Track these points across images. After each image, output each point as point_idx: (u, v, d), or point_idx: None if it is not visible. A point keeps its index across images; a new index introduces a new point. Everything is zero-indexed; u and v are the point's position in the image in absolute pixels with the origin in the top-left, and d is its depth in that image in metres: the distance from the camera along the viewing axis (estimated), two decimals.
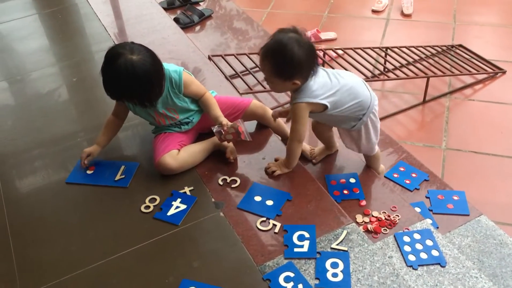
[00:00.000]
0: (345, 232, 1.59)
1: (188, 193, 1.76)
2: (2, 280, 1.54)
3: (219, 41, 3.38)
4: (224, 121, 1.77)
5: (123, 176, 1.85)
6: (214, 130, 1.75)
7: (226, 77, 2.58)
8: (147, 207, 1.72)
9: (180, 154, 1.83)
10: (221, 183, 1.79)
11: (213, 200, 1.74)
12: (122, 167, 1.89)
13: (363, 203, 1.85)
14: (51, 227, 1.71)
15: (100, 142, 1.89)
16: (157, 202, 1.74)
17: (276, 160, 1.88)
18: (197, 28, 3.45)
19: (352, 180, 1.94)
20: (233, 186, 1.78)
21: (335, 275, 1.45)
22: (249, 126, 2.01)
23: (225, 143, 1.85)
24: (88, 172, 1.89)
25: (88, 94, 2.44)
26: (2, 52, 2.86)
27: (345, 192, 1.89)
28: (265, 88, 2.71)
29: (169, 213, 1.68)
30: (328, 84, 1.68)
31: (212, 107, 1.83)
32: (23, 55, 2.81)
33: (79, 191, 1.83)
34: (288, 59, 1.57)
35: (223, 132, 1.73)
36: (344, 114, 1.73)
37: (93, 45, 2.87)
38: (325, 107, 1.69)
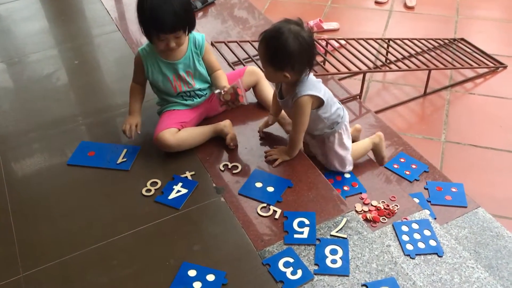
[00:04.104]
0: (344, 220, 1.60)
1: (189, 177, 1.77)
2: (4, 260, 1.54)
3: (222, 28, 3.36)
4: (227, 85, 1.82)
5: (125, 159, 1.85)
6: (215, 92, 1.79)
7: (228, 64, 2.58)
8: (149, 190, 1.73)
9: (180, 132, 1.85)
10: (222, 168, 1.80)
11: (214, 185, 1.74)
12: (124, 150, 1.89)
13: (365, 196, 1.86)
14: (53, 208, 1.71)
15: (136, 109, 1.90)
16: (158, 186, 1.74)
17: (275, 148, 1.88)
18: (200, 14, 3.42)
19: (347, 175, 1.94)
20: (234, 172, 1.78)
21: (334, 261, 1.47)
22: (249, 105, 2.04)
23: (225, 129, 1.87)
24: (90, 154, 1.89)
25: (89, 77, 2.44)
26: (2, 33, 2.84)
27: (346, 188, 1.89)
28: None
29: (170, 197, 1.69)
30: (320, 83, 1.73)
31: (222, 80, 1.88)
32: (23, 37, 2.79)
33: (81, 173, 1.83)
34: (280, 48, 1.56)
35: (223, 93, 1.75)
36: (327, 117, 1.77)
37: (95, 28, 2.85)
38: (321, 103, 1.72)
